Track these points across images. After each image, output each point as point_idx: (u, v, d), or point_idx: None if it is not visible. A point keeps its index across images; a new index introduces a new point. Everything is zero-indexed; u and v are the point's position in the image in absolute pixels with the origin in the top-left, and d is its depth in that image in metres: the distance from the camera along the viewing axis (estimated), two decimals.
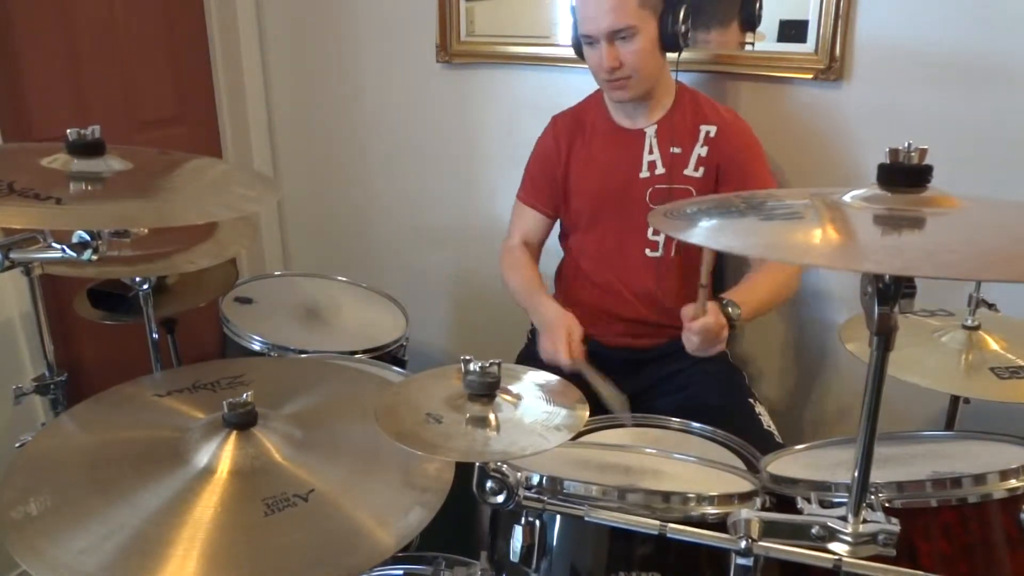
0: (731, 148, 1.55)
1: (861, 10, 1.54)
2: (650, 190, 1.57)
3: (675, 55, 1.54)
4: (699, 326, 1.30)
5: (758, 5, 1.63)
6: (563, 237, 1.75)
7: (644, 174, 1.57)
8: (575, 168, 1.64)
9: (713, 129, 1.56)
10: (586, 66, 1.84)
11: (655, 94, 1.57)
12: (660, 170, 1.56)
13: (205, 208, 1.02)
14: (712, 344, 1.33)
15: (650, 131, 1.58)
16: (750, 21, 1.65)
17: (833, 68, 1.58)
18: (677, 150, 1.56)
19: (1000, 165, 1.49)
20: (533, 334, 1.78)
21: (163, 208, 0.99)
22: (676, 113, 1.58)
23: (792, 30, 1.61)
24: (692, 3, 1.50)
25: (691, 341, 1.33)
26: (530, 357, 1.71)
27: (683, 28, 1.48)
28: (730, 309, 1.37)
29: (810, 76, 1.60)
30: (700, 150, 1.56)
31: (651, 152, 1.57)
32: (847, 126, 1.62)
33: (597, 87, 1.65)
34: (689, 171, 1.56)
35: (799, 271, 1.60)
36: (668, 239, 1.59)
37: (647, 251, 1.60)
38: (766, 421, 1.47)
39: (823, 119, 1.64)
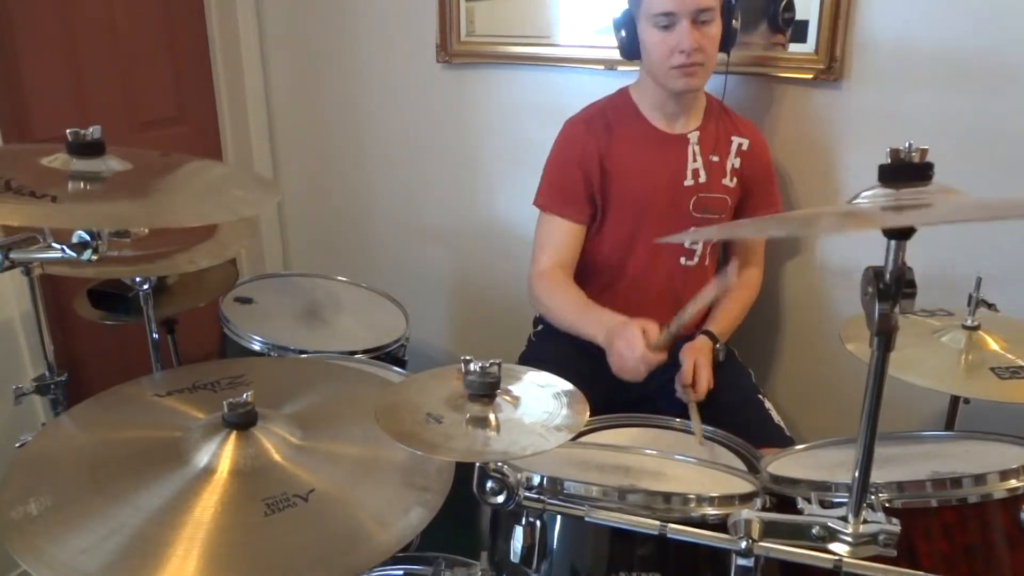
0: (759, 165, 1.59)
1: (861, 10, 1.54)
2: (693, 199, 1.55)
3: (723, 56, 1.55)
4: (701, 393, 1.43)
5: (783, 5, 1.61)
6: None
7: (688, 182, 1.55)
8: (610, 172, 1.55)
9: (745, 143, 1.57)
10: (586, 66, 1.85)
11: (696, 98, 1.56)
12: (703, 178, 1.55)
13: (203, 210, 1.02)
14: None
15: (693, 137, 1.55)
16: (775, 22, 1.63)
17: (833, 68, 1.58)
18: (715, 158, 1.56)
19: (1000, 165, 1.49)
20: (536, 335, 1.77)
21: (160, 209, 0.99)
22: (711, 121, 1.57)
23: (792, 30, 1.61)
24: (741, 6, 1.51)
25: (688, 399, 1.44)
26: (531, 358, 1.71)
27: (737, 28, 1.49)
28: (720, 357, 1.52)
29: (810, 76, 1.60)
30: (733, 161, 1.57)
31: (695, 160, 1.55)
32: (847, 126, 1.62)
33: (602, 83, 1.64)
34: (726, 180, 1.57)
35: (759, 283, 1.68)
36: (704, 247, 1.59)
37: (682, 259, 1.59)
38: (775, 416, 1.47)
39: (823, 119, 1.64)
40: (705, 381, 1.44)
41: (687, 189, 1.55)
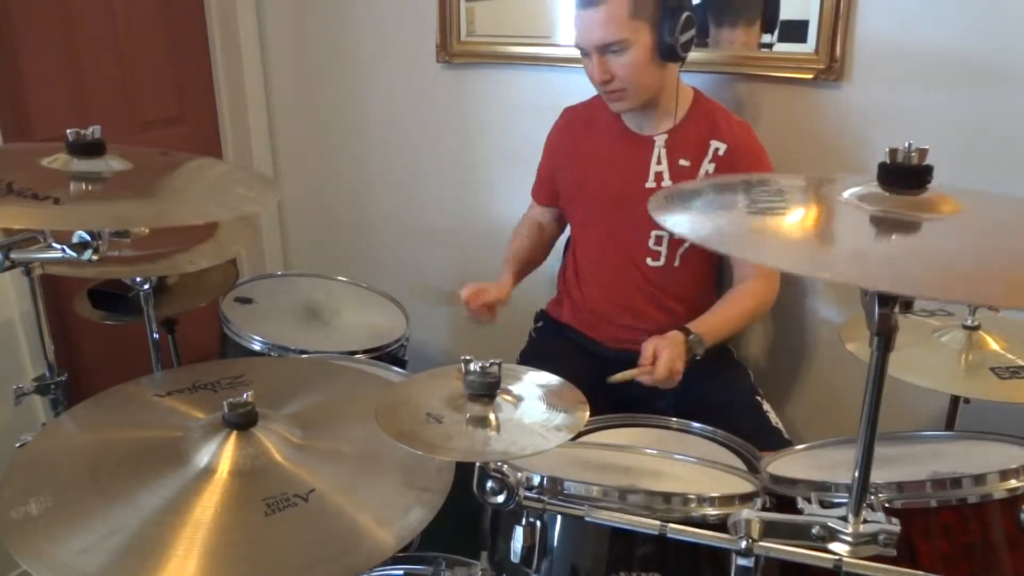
0: (737, 170, 1.52)
1: (861, 10, 1.54)
2: None
3: (697, 53, 1.52)
4: (652, 381, 1.37)
5: (777, 5, 1.61)
6: (570, 236, 1.74)
7: (650, 184, 1.54)
8: (581, 165, 1.61)
9: (723, 147, 1.52)
10: None
11: (660, 103, 1.53)
12: (667, 182, 1.54)
13: (205, 208, 1.02)
14: (671, 384, 1.38)
15: (659, 140, 1.54)
16: (771, 21, 1.63)
17: (833, 68, 1.58)
18: (685, 163, 1.53)
19: (1000, 165, 1.49)
20: (536, 331, 1.78)
21: (162, 208, 0.99)
22: (688, 124, 1.54)
23: (792, 30, 1.61)
24: (698, 9, 1.46)
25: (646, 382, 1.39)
26: (531, 354, 1.71)
27: (683, 38, 1.43)
28: (696, 350, 1.41)
29: (810, 76, 1.60)
30: (708, 166, 1.53)
31: (659, 163, 1.54)
32: (847, 126, 1.62)
33: None
34: None
35: (774, 292, 1.58)
36: (670, 249, 1.57)
37: (648, 260, 1.58)
38: (773, 418, 1.47)
39: (823, 119, 1.64)
40: (666, 363, 1.35)
41: (648, 191, 1.54)
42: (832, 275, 0.67)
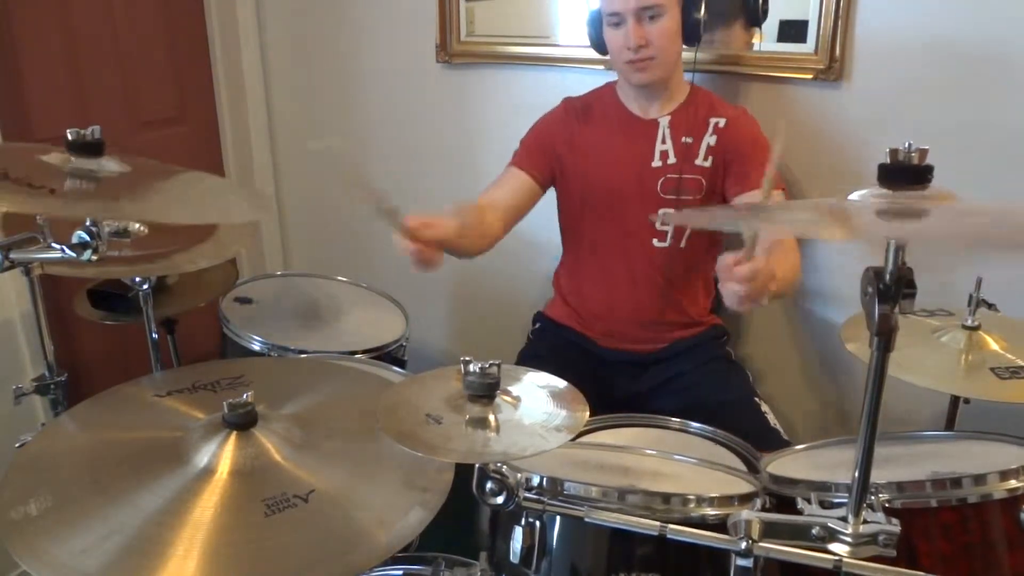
0: (737, 139, 1.55)
1: (861, 10, 1.54)
2: (661, 180, 1.56)
3: (691, 52, 1.55)
4: (747, 271, 1.07)
5: (762, 1, 1.62)
6: (564, 232, 1.73)
7: (656, 163, 1.56)
8: (581, 155, 1.62)
9: (723, 121, 1.56)
10: (585, 66, 1.85)
11: (670, 84, 1.56)
12: (672, 159, 1.56)
13: (198, 209, 1.02)
14: (760, 294, 1.10)
15: (663, 121, 1.57)
16: (754, 18, 1.64)
17: (833, 68, 1.58)
18: (688, 139, 1.56)
19: (1000, 165, 1.49)
20: (534, 333, 1.78)
21: (157, 204, 0.99)
22: (688, 105, 1.58)
23: (792, 30, 1.61)
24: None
25: (734, 291, 1.09)
26: (530, 354, 1.71)
27: (704, 19, 1.50)
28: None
29: (810, 76, 1.60)
30: (709, 139, 1.55)
31: (664, 142, 1.56)
32: (847, 126, 1.62)
33: (603, 83, 1.66)
34: (699, 160, 1.55)
35: (798, 260, 1.45)
36: (676, 229, 1.58)
37: (654, 241, 1.59)
38: (772, 419, 1.47)
39: (823, 119, 1.64)
40: (766, 270, 1.09)
41: (655, 170, 1.56)
42: (850, 234, 0.68)
